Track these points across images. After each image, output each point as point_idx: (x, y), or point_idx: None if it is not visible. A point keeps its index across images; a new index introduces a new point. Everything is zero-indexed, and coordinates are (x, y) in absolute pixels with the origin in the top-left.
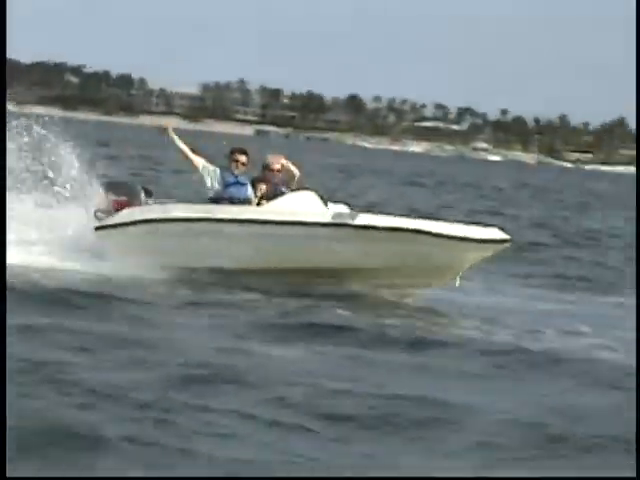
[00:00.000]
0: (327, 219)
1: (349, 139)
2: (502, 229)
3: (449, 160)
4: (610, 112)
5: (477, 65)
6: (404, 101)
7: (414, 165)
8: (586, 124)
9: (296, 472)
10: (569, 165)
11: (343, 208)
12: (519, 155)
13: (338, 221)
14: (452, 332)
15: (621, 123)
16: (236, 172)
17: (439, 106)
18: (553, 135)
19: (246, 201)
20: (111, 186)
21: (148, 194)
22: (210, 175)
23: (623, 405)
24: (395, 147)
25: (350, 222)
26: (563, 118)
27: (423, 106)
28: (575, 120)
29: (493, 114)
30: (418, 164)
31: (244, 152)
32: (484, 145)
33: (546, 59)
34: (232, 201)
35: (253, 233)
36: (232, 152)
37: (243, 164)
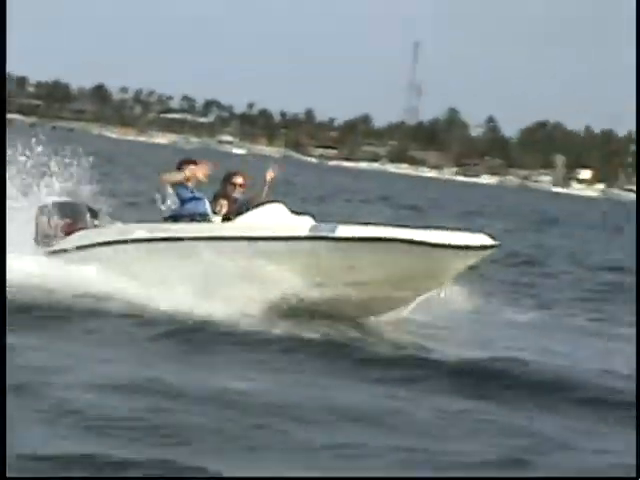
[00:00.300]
0: (304, 232)
1: (95, 129)
2: (490, 235)
3: (194, 152)
4: (355, 109)
5: (224, 58)
6: (151, 93)
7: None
8: (331, 120)
9: None
10: (314, 160)
11: (309, 220)
12: (264, 149)
13: (317, 234)
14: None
15: (365, 120)
16: (190, 186)
17: (186, 98)
18: (299, 130)
19: (205, 216)
20: (54, 207)
21: (93, 215)
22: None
23: None
24: (141, 138)
25: (330, 235)
26: (309, 113)
27: (170, 98)
28: (321, 116)
29: (240, 107)
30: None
31: (194, 162)
32: (229, 138)
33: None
34: (192, 218)
35: (225, 251)
36: (184, 163)
37: (197, 177)
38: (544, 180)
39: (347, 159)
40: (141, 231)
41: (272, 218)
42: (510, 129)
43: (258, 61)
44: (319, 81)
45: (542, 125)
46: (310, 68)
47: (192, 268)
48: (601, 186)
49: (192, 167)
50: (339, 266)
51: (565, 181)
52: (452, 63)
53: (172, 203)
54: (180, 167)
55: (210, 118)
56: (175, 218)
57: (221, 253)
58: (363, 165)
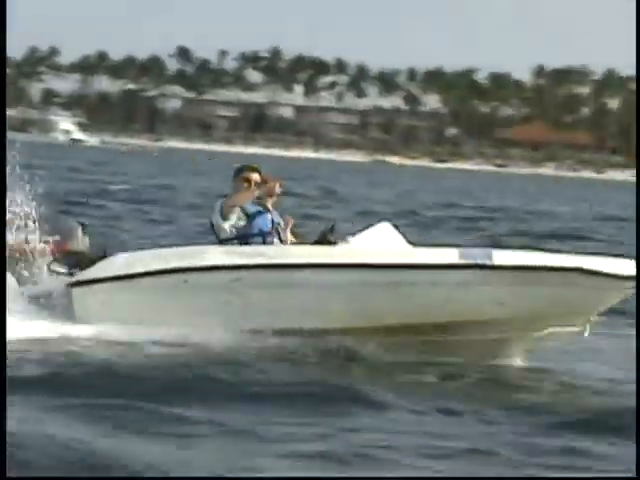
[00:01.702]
0: (454, 259)
1: None
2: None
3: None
4: None
5: None
6: None
7: None
8: None
9: None
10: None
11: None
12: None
13: (471, 262)
14: None
15: None
16: (249, 198)
17: None
18: None
19: (270, 235)
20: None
21: (84, 230)
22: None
23: None
24: None
25: (487, 262)
26: None
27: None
28: None
29: None
30: None
31: (257, 170)
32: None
33: None
34: (264, 238)
35: (342, 282)
36: (242, 170)
37: (257, 185)
38: None
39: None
40: (217, 255)
41: (385, 241)
42: None
43: None
44: None
45: None
46: None
47: (291, 302)
48: None
49: (257, 177)
50: (487, 299)
51: None
52: None
53: (238, 219)
54: (243, 177)
55: None
56: (244, 237)
57: (334, 282)
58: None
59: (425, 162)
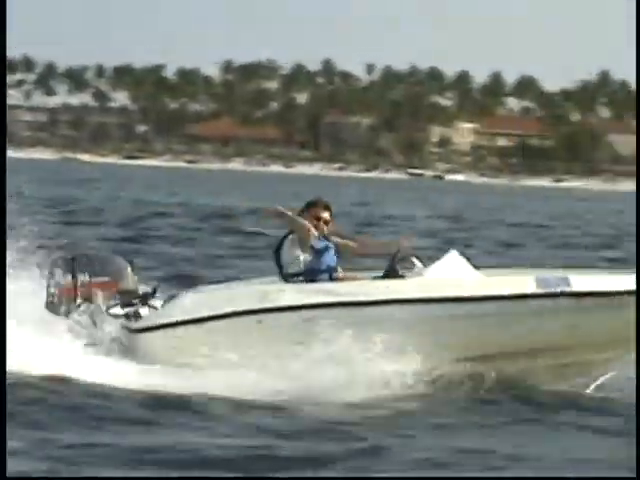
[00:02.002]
0: (531, 289)
1: None
2: None
3: None
4: None
5: None
6: None
7: None
8: None
9: None
10: None
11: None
12: None
13: (550, 290)
14: None
15: None
16: (317, 233)
17: None
18: None
19: (335, 271)
20: (81, 262)
21: (132, 267)
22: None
23: None
24: None
25: (566, 290)
26: None
27: None
28: None
29: None
30: None
31: (329, 208)
32: None
33: None
34: (330, 273)
35: (428, 316)
36: (312, 206)
37: (327, 224)
38: None
39: None
40: (291, 294)
41: (457, 271)
42: None
43: None
44: None
45: None
46: None
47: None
48: None
49: (328, 216)
50: (559, 328)
51: None
52: None
53: (302, 254)
54: (315, 214)
55: None
56: (312, 273)
57: (420, 316)
58: None
59: (115, 159)
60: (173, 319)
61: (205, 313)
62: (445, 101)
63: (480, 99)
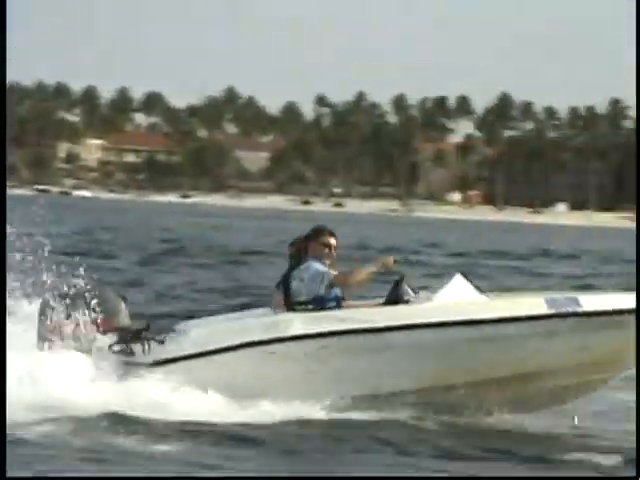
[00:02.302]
0: (543, 310)
1: None
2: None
3: None
4: None
5: None
6: None
7: None
8: None
9: None
10: None
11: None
12: None
13: (562, 310)
14: None
15: None
16: (326, 262)
17: None
18: None
19: (343, 300)
20: (76, 301)
21: (126, 303)
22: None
23: None
24: None
25: (577, 310)
26: None
27: None
28: None
29: None
30: None
31: (334, 234)
32: None
33: None
34: (338, 303)
35: (439, 341)
36: (320, 234)
37: (334, 249)
38: None
39: None
40: (301, 324)
41: (463, 295)
42: None
43: None
44: None
45: None
46: None
47: (384, 366)
48: None
49: (334, 242)
50: (569, 348)
51: None
52: None
53: (320, 285)
54: (323, 242)
55: None
56: (321, 302)
57: (431, 341)
58: None
59: None
60: (181, 353)
61: (214, 346)
62: (73, 117)
63: (108, 115)
